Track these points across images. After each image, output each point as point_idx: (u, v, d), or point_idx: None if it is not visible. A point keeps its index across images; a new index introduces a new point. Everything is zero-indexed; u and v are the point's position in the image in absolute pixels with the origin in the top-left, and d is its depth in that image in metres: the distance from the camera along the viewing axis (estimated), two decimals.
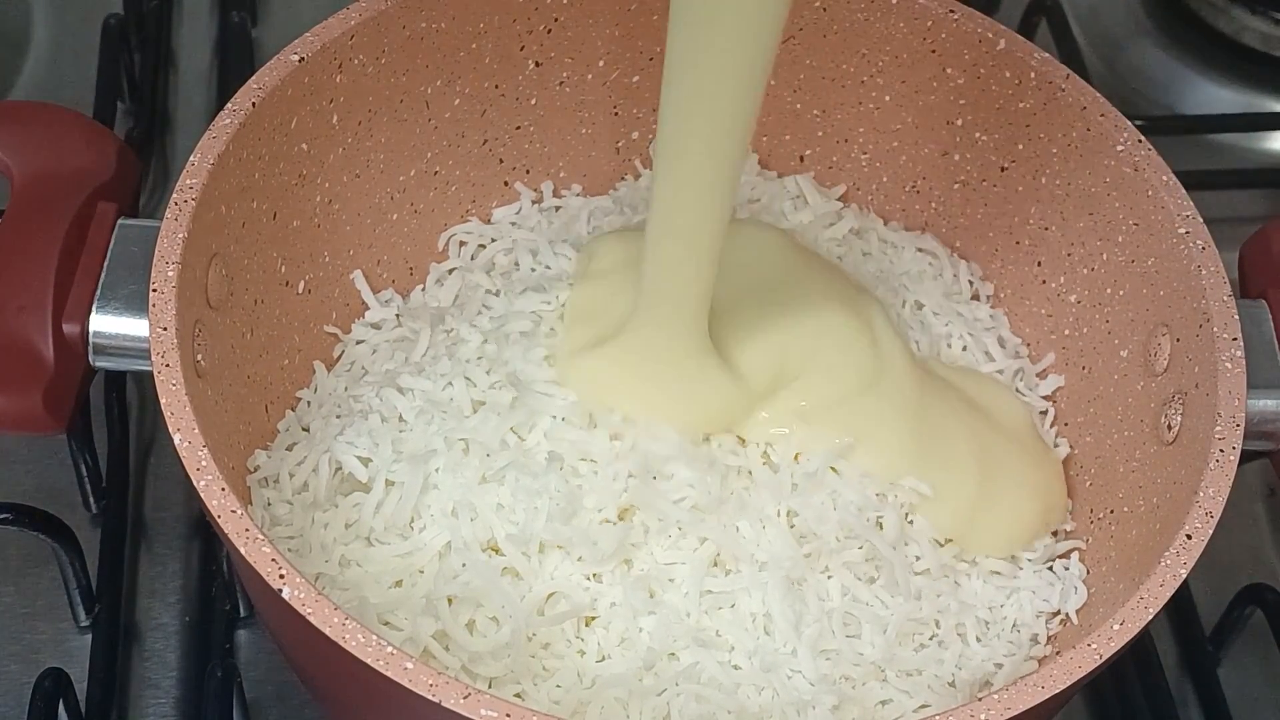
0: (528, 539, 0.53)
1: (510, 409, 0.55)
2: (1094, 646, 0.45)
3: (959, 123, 0.63)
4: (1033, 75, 0.60)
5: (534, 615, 0.52)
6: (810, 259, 0.61)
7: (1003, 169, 0.63)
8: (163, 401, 0.47)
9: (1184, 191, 0.56)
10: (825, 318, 0.58)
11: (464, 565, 0.53)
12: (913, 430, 0.57)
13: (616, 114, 0.66)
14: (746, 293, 0.58)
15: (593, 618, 0.53)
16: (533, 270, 0.62)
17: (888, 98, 0.64)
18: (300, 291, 0.59)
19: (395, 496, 0.54)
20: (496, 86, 0.63)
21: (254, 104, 0.54)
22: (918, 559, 0.56)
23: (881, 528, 0.55)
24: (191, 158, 0.52)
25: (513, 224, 0.65)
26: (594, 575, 0.53)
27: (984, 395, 0.61)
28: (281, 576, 0.44)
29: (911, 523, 0.56)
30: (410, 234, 0.63)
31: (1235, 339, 0.52)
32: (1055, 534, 0.59)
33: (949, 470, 0.57)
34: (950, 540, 0.57)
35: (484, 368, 0.57)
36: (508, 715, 0.41)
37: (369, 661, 0.42)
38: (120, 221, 0.55)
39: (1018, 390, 0.62)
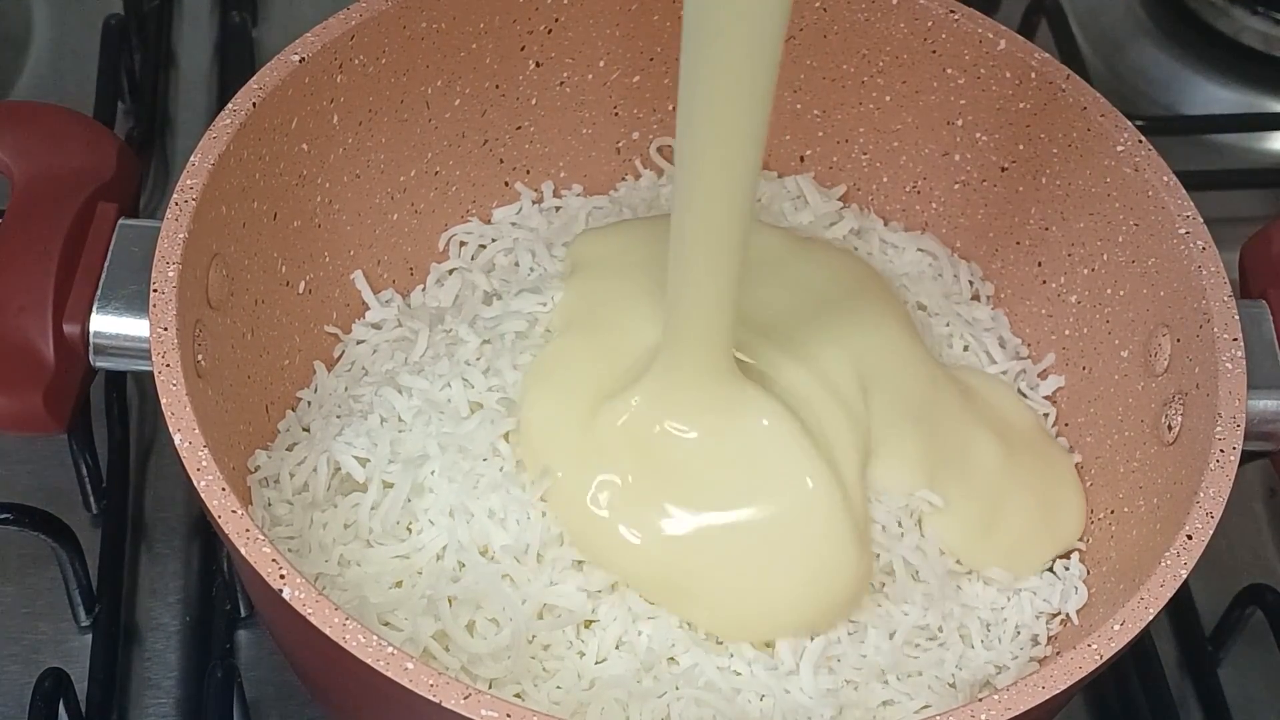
0: (522, 548, 0.53)
1: (504, 416, 0.55)
2: (1094, 647, 0.45)
3: (959, 123, 0.63)
4: (1033, 75, 0.60)
5: (533, 619, 0.52)
6: (815, 252, 0.61)
7: (1003, 169, 0.63)
8: (163, 401, 0.47)
9: (1184, 191, 0.56)
10: (880, 332, 0.58)
11: (462, 566, 0.53)
12: (935, 446, 0.57)
13: (617, 114, 0.66)
14: (786, 305, 0.58)
15: (592, 620, 0.53)
16: (531, 271, 0.62)
17: (888, 98, 0.64)
18: (301, 291, 0.59)
19: (390, 498, 0.54)
20: (497, 86, 0.63)
21: (254, 104, 0.54)
22: (918, 569, 0.55)
23: (895, 536, 0.55)
24: (192, 158, 0.52)
25: (513, 224, 0.65)
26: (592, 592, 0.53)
27: (992, 396, 0.61)
28: (282, 577, 0.44)
29: (919, 526, 0.56)
30: (410, 234, 0.63)
31: (1235, 339, 0.52)
32: None
33: (965, 491, 0.57)
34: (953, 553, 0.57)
35: (482, 369, 0.57)
36: (508, 715, 0.41)
37: (369, 661, 0.42)
38: (120, 222, 0.55)
39: (1019, 391, 0.62)
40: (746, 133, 0.47)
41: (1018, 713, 0.43)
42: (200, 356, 0.51)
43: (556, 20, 0.62)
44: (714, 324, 0.52)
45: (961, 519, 0.56)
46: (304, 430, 0.58)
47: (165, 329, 0.49)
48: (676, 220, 0.49)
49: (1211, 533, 0.48)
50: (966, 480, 0.57)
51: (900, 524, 0.55)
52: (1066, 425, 0.61)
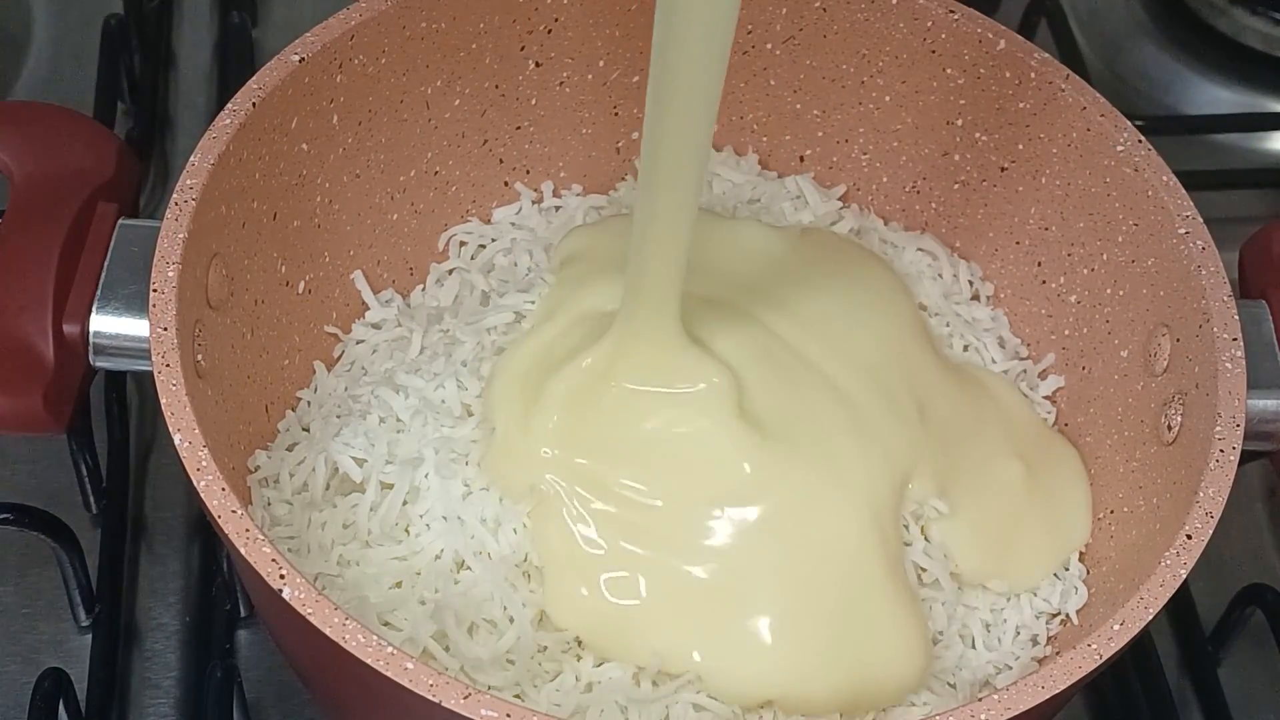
0: (520, 557, 0.53)
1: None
2: (1094, 647, 0.45)
3: (959, 123, 0.63)
4: (1033, 75, 0.60)
5: (532, 622, 0.52)
6: (821, 242, 0.61)
7: (1003, 169, 0.63)
8: (163, 401, 0.47)
9: (1184, 191, 0.56)
10: (910, 330, 0.58)
11: (461, 568, 0.53)
12: (957, 458, 0.56)
13: (616, 114, 0.66)
14: (809, 297, 0.57)
15: None
16: (529, 271, 0.62)
17: (888, 98, 0.64)
18: (300, 291, 0.59)
19: (388, 500, 0.54)
20: (496, 86, 0.63)
21: (254, 104, 0.54)
22: (924, 570, 0.55)
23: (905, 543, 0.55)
24: (191, 158, 0.52)
25: (513, 224, 0.65)
26: None
27: (999, 394, 0.60)
28: (282, 577, 0.44)
29: (923, 530, 0.56)
30: (410, 234, 0.63)
31: (1235, 339, 0.52)
32: None
33: (979, 508, 0.56)
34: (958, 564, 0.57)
35: (474, 370, 0.57)
36: (508, 715, 0.41)
37: (369, 661, 0.42)
38: (120, 222, 0.55)
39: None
40: (693, 137, 0.48)
41: (1017, 712, 0.43)
42: (200, 356, 0.51)
43: (556, 20, 0.62)
44: (666, 292, 0.51)
45: (970, 534, 0.56)
46: (304, 430, 0.58)
47: (165, 329, 0.49)
48: (639, 201, 0.50)
49: (1211, 533, 0.48)
50: (983, 498, 0.56)
51: (907, 529, 0.55)
52: (1066, 425, 0.61)
